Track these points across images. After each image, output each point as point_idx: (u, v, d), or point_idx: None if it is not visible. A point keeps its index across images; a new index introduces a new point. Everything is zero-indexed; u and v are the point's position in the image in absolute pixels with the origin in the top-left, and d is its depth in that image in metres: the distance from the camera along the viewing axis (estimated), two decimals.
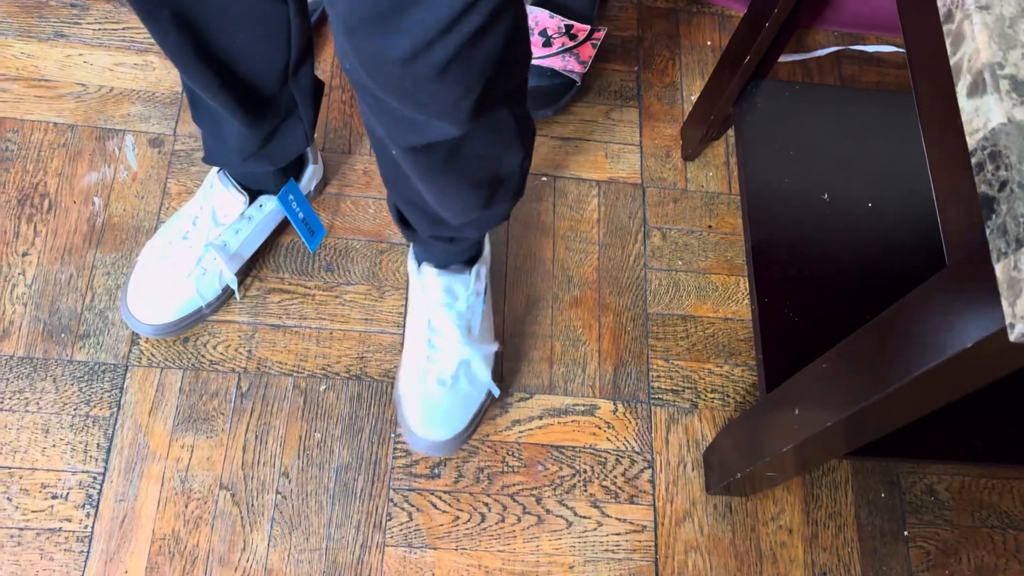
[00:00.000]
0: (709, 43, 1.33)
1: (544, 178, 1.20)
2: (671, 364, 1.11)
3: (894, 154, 1.08)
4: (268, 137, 0.92)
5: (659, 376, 1.10)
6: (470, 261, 0.99)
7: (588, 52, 1.19)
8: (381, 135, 0.72)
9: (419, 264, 0.98)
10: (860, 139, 1.09)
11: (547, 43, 1.18)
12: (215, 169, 1.00)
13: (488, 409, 1.05)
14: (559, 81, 1.20)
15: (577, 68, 1.20)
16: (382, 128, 0.69)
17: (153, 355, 1.02)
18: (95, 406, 0.99)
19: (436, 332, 0.98)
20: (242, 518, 0.96)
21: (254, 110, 0.86)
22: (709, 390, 1.10)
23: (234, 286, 1.04)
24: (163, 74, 1.18)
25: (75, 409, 0.99)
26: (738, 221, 1.20)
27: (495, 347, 1.02)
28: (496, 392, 1.01)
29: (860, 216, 1.04)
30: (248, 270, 1.08)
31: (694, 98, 1.27)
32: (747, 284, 1.16)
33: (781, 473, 0.94)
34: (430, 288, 0.97)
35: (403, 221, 0.91)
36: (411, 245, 1.02)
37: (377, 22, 0.55)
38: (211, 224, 1.00)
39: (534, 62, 1.18)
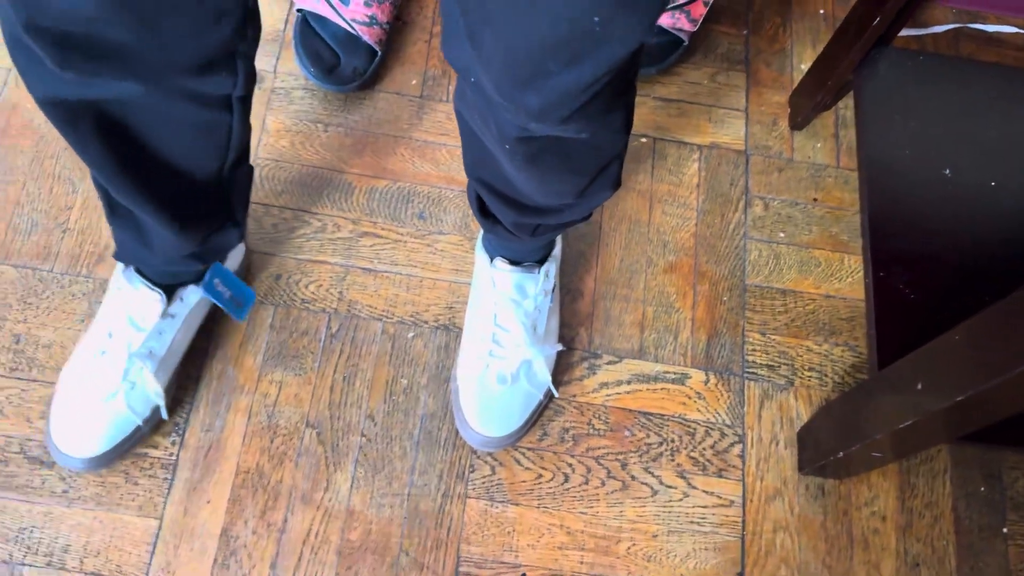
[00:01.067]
0: (822, 12, 1.28)
1: (644, 139, 1.16)
2: (767, 339, 1.07)
3: (1021, 134, 1.02)
4: (202, 241, 0.84)
5: (754, 350, 1.06)
6: (541, 260, 0.96)
7: (700, 10, 1.15)
8: (480, 123, 0.68)
9: (491, 258, 0.95)
10: (986, 116, 1.03)
11: None
12: (119, 269, 0.89)
13: (575, 369, 1.02)
14: (666, 39, 1.16)
15: (687, 27, 1.15)
16: (493, 118, 0.65)
17: None
18: None
19: (501, 328, 0.95)
20: (326, 457, 0.95)
21: (183, 218, 0.78)
22: (806, 368, 1.06)
23: (161, 402, 0.90)
24: (264, 9, 1.17)
25: None
26: (845, 195, 1.15)
27: (558, 348, 0.99)
28: (555, 393, 0.99)
29: (983, 195, 0.98)
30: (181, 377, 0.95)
31: (804, 67, 1.22)
32: (852, 262, 1.12)
33: (884, 455, 0.89)
34: (500, 283, 0.95)
35: (483, 211, 0.86)
36: (480, 236, 0.99)
37: (517, 84, 0.57)
38: (131, 331, 0.88)
39: None
